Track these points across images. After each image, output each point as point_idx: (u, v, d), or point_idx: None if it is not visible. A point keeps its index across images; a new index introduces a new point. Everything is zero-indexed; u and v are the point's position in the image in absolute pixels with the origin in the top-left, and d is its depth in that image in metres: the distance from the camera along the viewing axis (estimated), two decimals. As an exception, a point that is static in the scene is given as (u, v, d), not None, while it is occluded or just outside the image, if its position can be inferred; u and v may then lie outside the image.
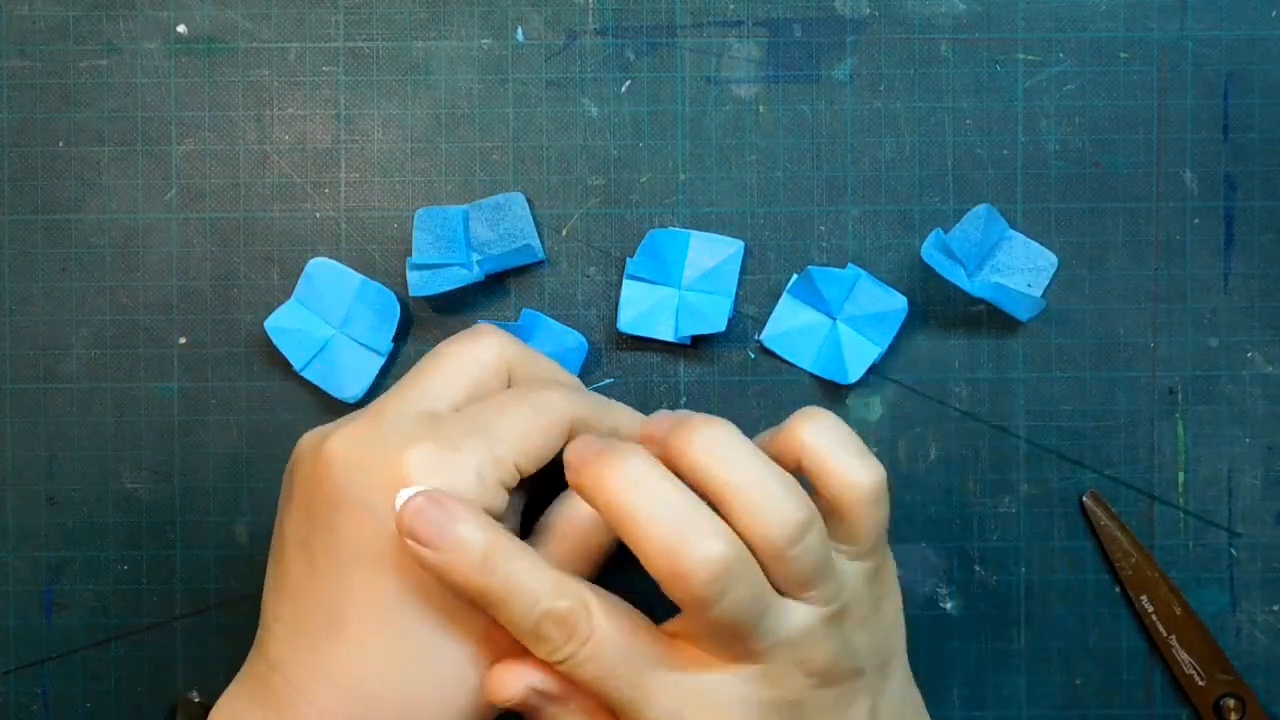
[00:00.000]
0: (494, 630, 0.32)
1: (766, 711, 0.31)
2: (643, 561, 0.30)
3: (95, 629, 0.42)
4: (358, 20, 0.42)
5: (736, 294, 0.42)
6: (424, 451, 0.32)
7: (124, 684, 0.42)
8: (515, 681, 0.32)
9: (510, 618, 0.31)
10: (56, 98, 0.42)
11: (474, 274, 0.40)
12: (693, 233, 0.41)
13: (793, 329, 0.41)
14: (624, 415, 0.36)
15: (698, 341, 0.42)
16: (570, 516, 0.35)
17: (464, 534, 0.30)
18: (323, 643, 0.32)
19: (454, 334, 0.36)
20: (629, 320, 0.41)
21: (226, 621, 0.42)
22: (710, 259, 0.41)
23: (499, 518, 0.32)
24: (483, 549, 0.31)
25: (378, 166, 0.42)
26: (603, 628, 0.31)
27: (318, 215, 0.42)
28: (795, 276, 0.41)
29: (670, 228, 0.42)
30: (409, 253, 0.42)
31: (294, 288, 0.42)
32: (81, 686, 0.42)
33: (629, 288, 0.41)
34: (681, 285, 0.41)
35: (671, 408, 0.42)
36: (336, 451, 0.33)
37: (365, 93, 0.42)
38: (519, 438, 0.33)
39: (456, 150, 0.42)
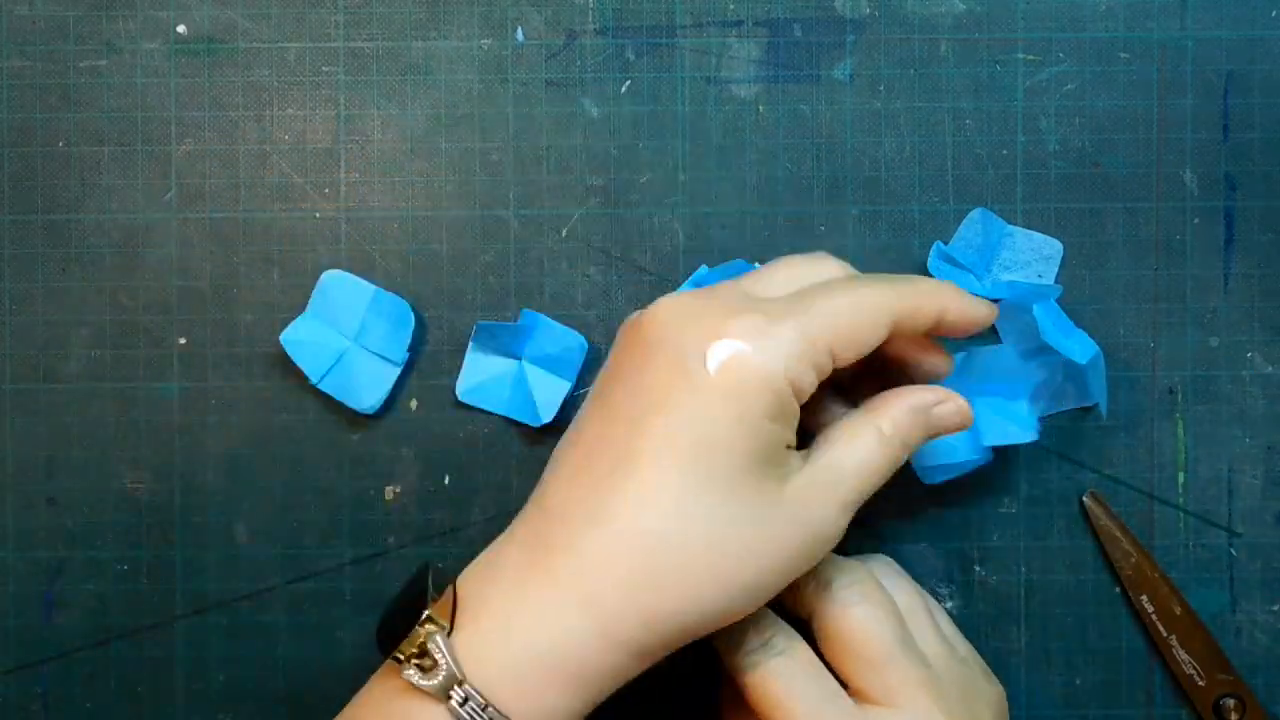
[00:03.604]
0: (780, 514, 0.32)
1: None
2: None
3: (95, 629, 0.42)
4: (358, 20, 0.42)
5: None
6: (749, 318, 0.32)
7: (124, 684, 0.42)
8: None
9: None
10: (56, 98, 0.42)
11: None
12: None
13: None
14: (950, 297, 0.35)
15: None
16: None
17: None
18: (604, 486, 0.31)
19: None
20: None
21: (226, 621, 0.42)
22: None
23: (800, 397, 0.32)
24: None
25: (378, 166, 0.42)
26: (800, 650, 0.34)
27: (318, 215, 0.42)
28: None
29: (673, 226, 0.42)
30: (409, 253, 0.42)
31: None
32: (81, 686, 0.42)
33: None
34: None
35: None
36: (660, 310, 0.33)
37: (365, 93, 0.42)
38: (840, 324, 0.33)
39: (456, 150, 0.42)
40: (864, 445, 0.34)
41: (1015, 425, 0.40)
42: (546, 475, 0.34)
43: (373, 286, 0.41)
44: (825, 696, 0.34)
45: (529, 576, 0.32)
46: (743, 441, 0.31)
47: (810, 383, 0.32)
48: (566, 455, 0.33)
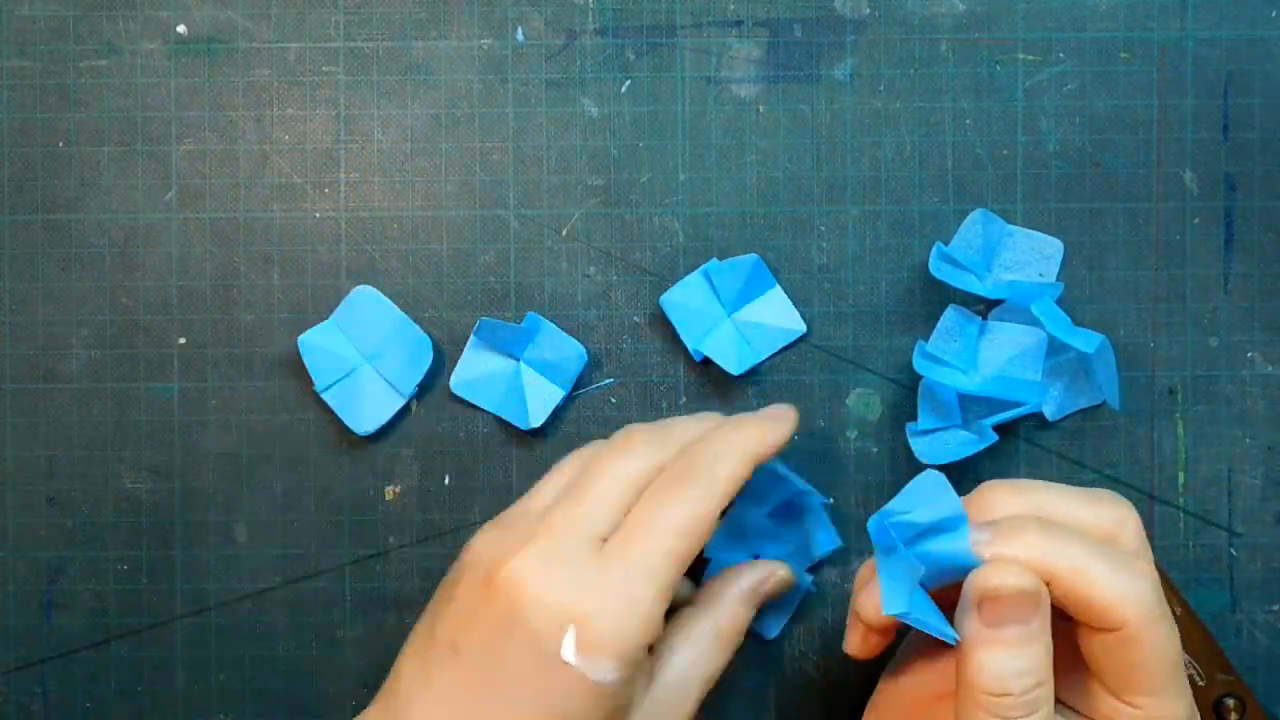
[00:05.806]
0: None
1: None
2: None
3: (95, 629, 0.42)
4: (358, 20, 0.42)
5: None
6: (603, 586, 0.32)
7: (124, 684, 0.42)
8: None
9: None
10: (56, 98, 0.42)
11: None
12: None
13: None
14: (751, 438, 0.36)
15: (698, 341, 0.42)
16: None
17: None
18: None
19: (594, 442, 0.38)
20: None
21: (226, 621, 0.42)
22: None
23: (654, 640, 0.33)
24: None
25: (378, 166, 0.42)
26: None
27: (318, 215, 0.42)
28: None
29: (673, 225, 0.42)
30: (409, 253, 0.42)
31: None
32: (81, 686, 0.42)
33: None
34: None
35: (671, 407, 0.42)
36: (512, 579, 0.33)
37: (365, 93, 0.42)
38: (677, 547, 0.33)
39: (456, 150, 0.42)
40: (704, 649, 0.36)
41: (1025, 396, 0.40)
42: (407, 690, 0.33)
43: (401, 314, 0.41)
44: None
45: None
46: (595, 711, 0.32)
47: (662, 624, 0.33)
48: (430, 702, 0.33)
